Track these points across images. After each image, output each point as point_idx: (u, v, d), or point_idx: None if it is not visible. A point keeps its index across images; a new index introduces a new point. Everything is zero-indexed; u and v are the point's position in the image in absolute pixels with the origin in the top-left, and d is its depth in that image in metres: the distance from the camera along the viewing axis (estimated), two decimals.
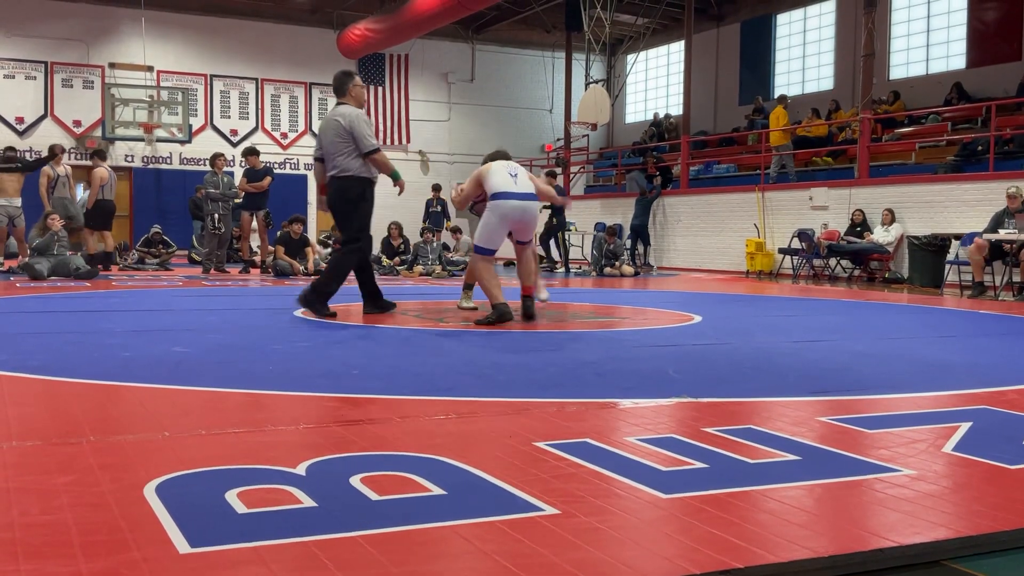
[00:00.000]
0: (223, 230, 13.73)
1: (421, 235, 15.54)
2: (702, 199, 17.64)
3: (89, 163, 13.78)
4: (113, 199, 13.56)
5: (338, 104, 7.14)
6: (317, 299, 6.85)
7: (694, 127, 20.53)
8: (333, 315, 6.78)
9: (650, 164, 19.08)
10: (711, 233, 17.17)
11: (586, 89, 20.48)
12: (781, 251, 15.26)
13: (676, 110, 22.77)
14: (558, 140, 23.61)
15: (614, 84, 24.37)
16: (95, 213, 13.21)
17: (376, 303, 7.18)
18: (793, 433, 3.05)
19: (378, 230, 17.95)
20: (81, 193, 19.13)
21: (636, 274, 15.61)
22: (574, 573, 1.78)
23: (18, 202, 12.74)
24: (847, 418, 3.32)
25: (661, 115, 23.70)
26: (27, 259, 11.76)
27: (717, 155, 20.27)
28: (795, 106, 20.05)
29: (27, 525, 2.00)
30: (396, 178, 7.03)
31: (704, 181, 18.93)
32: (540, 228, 18.87)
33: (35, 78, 20.34)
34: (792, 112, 19.73)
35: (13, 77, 20.15)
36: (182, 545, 1.87)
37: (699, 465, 2.61)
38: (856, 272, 14.10)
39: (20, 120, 20.13)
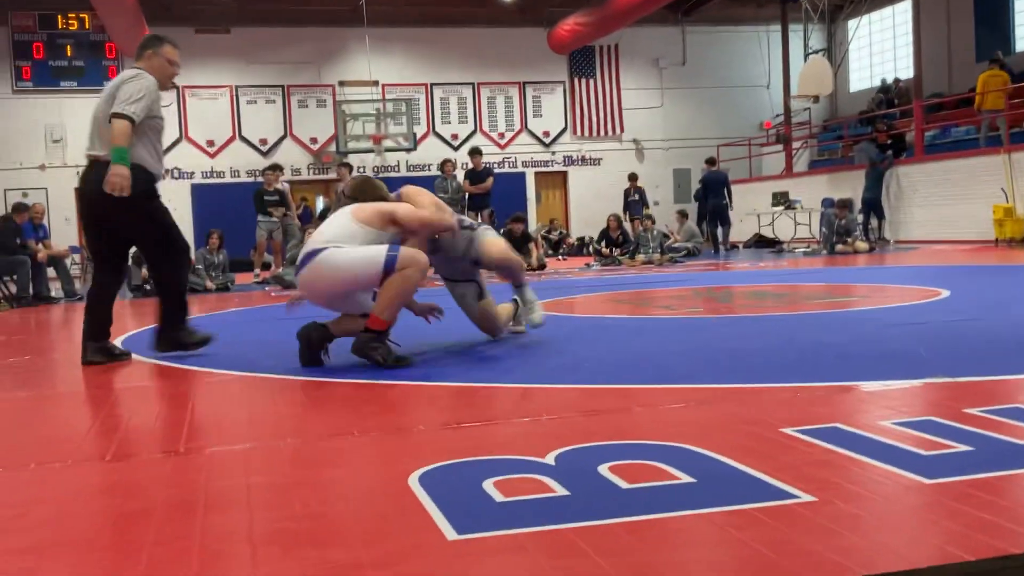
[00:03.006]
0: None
1: (631, 223, 15.74)
2: (940, 165, 16.51)
3: (333, 176, 14.71)
4: None
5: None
6: (178, 341, 5.35)
7: (927, 90, 19.22)
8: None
9: (880, 133, 18.06)
10: (953, 201, 16.02)
11: (805, 60, 19.67)
12: None
13: (906, 73, 21.40)
14: (777, 116, 22.81)
15: (835, 52, 23.25)
16: None
17: (100, 344, 5.24)
18: None
19: (598, 222, 18.26)
20: (321, 204, 20.58)
21: (871, 250, 14.86)
22: (838, 561, 1.74)
23: (276, 218, 14.01)
24: None
25: (889, 80, 22.37)
26: (280, 270, 12.76)
27: (955, 118, 18.90)
28: None
29: (308, 516, 2.18)
30: (118, 160, 4.85)
31: (941, 146, 17.70)
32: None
33: (274, 102, 21.98)
34: None
35: (255, 102, 21.85)
36: (449, 532, 1.98)
37: (963, 448, 2.46)
38: None
39: (264, 142, 21.81)
